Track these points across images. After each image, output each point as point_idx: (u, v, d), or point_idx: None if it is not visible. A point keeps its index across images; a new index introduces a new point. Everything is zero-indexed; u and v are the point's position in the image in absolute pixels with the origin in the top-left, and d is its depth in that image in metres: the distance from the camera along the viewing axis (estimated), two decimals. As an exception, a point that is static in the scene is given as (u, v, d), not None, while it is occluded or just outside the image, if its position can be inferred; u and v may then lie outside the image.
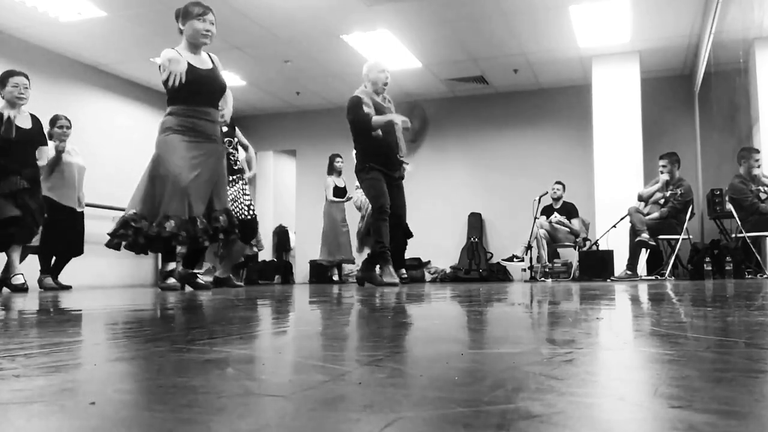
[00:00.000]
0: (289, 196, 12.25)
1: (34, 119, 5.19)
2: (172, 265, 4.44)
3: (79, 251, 6.24)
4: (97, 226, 7.70)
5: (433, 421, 0.48)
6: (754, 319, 1.36)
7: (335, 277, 8.73)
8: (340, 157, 8.61)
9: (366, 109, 5.03)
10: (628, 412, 0.53)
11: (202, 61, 4.29)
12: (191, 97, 4.17)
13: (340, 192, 8.56)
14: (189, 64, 4.12)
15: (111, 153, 8.73)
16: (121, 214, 4.23)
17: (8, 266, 5.21)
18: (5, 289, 5.22)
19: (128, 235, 4.08)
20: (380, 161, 5.06)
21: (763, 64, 6.75)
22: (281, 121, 11.27)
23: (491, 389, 0.60)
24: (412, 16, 7.17)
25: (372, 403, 0.55)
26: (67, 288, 6.07)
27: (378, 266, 5.18)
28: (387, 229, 4.99)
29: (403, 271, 6.20)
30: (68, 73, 8.36)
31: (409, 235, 5.63)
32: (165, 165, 4.12)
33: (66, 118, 6.11)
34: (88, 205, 6.58)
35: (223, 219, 4.27)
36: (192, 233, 4.08)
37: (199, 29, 4.21)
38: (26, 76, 5.10)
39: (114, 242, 4.20)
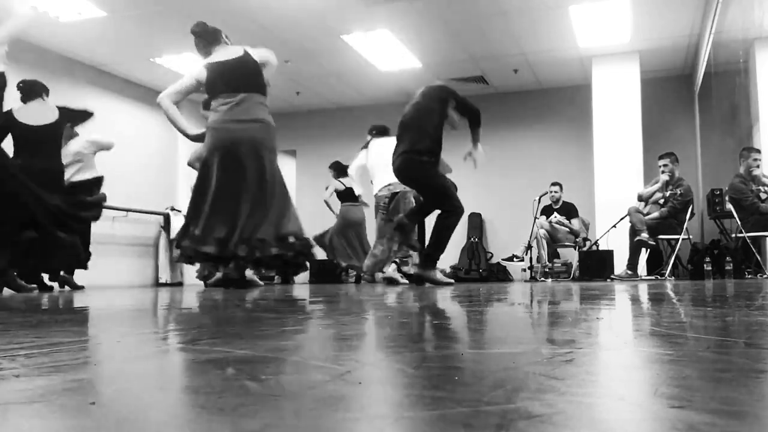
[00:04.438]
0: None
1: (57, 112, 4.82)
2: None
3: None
4: (97, 227, 7.68)
5: (433, 421, 0.48)
6: (754, 319, 1.36)
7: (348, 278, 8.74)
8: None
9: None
10: (628, 412, 0.53)
11: None
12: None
13: (348, 193, 8.09)
14: None
15: (111, 153, 8.72)
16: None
17: None
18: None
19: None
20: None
21: (763, 64, 6.75)
22: (281, 121, 11.17)
23: (491, 389, 0.60)
24: (412, 16, 7.17)
25: (372, 403, 0.55)
26: (80, 288, 6.08)
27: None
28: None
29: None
30: (68, 73, 8.35)
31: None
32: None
33: None
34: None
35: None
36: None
37: None
38: None
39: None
